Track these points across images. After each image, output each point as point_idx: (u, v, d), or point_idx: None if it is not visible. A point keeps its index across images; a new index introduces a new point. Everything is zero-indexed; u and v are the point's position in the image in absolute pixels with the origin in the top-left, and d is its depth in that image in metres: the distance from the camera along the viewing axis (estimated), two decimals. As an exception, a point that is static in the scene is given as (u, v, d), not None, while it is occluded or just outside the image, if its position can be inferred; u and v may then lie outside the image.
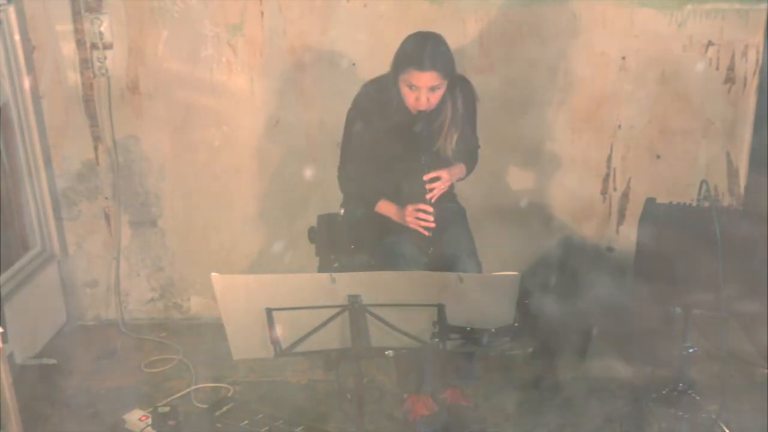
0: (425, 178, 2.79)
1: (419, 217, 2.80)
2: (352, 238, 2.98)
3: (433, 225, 2.79)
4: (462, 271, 2.70)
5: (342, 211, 3.11)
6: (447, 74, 2.76)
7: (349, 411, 2.91)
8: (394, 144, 2.88)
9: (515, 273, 2.24)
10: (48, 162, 3.56)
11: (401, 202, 2.89)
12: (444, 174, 2.83)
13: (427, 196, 2.80)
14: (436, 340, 2.28)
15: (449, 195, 3.13)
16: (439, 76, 2.73)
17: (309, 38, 3.45)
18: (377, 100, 2.88)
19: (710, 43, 3.44)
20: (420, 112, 2.78)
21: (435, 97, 2.77)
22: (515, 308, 2.28)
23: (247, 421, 2.79)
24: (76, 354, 3.49)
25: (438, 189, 2.82)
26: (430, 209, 2.79)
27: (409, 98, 2.78)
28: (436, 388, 2.99)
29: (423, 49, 2.71)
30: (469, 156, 3.06)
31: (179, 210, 3.67)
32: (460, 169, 2.99)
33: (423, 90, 2.74)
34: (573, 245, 3.69)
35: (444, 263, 2.79)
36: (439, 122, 2.86)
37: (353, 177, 2.99)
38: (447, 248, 2.86)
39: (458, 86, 2.88)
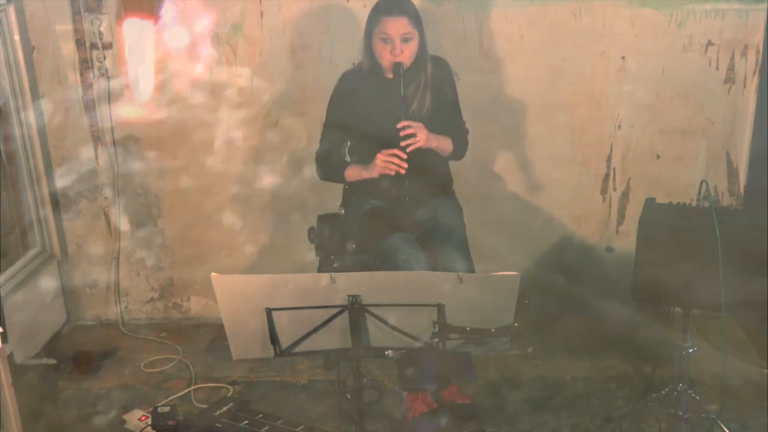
0: (398, 125, 2.83)
1: (390, 161, 2.82)
2: (352, 238, 2.98)
3: (403, 171, 2.82)
4: (451, 267, 2.71)
5: (342, 211, 3.12)
6: (417, 24, 2.86)
7: (349, 411, 2.91)
8: (372, 111, 2.94)
9: (515, 273, 2.24)
10: (48, 162, 3.56)
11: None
12: (418, 124, 2.85)
13: (402, 144, 2.83)
14: (436, 340, 2.28)
15: (447, 190, 3.14)
16: (409, 23, 2.84)
17: (309, 38, 3.45)
18: (352, 81, 3.00)
19: (710, 43, 3.44)
20: (396, 67, 2.84)
21: (408, 49, 2.86)
22: (515, 308, 2.28)
23: (247, 421, 2.78)
24: (76, 354, 3.49)
25: (413, 140, 2.83)
26: (404, 156, 2.82)
27: (384, 53, 2.87)
28: (435, 386, 2.99)
29: (391, 0, 2.88)
30: (457, 136, 3.06)
31: (179, 210, 3.67)
32: (444, 139, 3.00)
33: (396, 40, 2.84)
34: (573, 245, 3.69)
35: (436, 258, 2.80)
36: (414, 85, 2.93)
37: (323, 155, 3.05)
38: (440, 244, 2.86)
39: (433, 62, 2.97)
